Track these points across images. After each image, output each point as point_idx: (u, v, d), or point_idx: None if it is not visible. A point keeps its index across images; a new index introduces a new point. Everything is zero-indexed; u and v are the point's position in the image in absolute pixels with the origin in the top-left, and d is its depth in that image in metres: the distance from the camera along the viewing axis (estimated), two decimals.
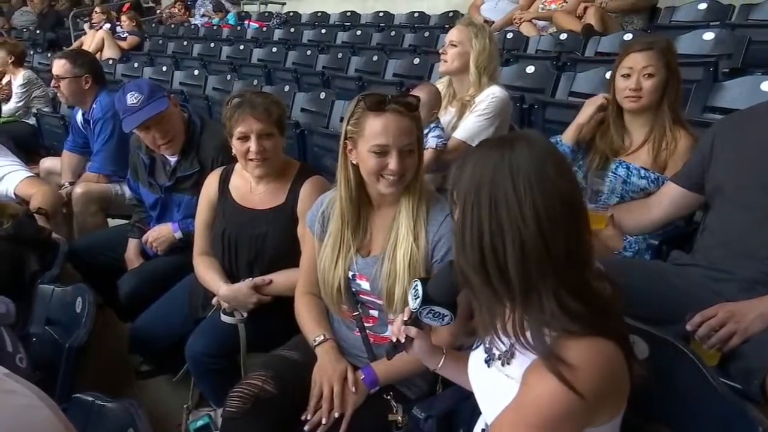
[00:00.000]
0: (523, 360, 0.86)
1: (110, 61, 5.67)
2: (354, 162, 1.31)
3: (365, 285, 1.38)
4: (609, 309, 0.85)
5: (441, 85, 2.45)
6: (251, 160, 1.64)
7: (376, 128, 1.25)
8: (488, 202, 0.83)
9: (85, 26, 7.15)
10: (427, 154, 2.09)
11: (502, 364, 0.91)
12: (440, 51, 2.31)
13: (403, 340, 1.07)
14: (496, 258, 0.83)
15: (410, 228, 1.30)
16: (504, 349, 0.90)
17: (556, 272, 0.82)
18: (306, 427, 1.29)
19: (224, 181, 1.78)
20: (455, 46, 2.25)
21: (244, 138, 1.62)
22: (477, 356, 0.99)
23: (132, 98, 1.98)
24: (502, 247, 0.82)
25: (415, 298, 1.02)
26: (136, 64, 5.51)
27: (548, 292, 0.82)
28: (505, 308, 0.88)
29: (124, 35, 6.53)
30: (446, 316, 1.00)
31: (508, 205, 0.82)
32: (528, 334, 0.84)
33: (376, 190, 1.32)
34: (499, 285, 0.84)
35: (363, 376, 1.34)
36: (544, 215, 0.81)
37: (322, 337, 1.41)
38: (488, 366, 0.95)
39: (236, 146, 1.65)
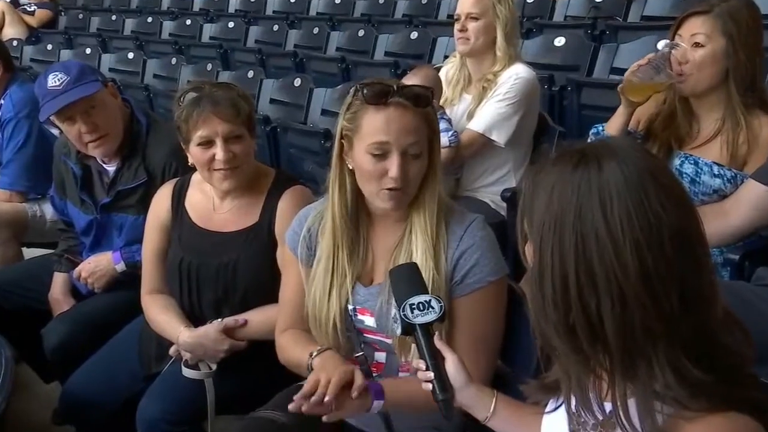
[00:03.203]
0: None
1: (15, 42, 5.63)
2: (351, 167, 1.34)
3: (369, 321, 1.39)
4: (741, 368, 0.83)
5: (450, 66, 2.50)
6: (217, 170, 1.65)
7: (375, 123, 1.28)
8: (574, 242, 0.80)
9: None
10: (441, 154, 2.12)
11: None
12: (457, 27, 2.36)
13: (431, 376, 1.10)
14: (586, 317, 0.80)
15: (428, 251, 1.33)
16: (599, 419, 0.87)
17: (668, 329, 0.79)
18: (290, 406, 1.24)
19: (178, 197, 1.79)
20: (476, 18, 2.30)
21: (207, 143, 1.63)
22: (557, 422, 0.97)
23: (54, 80, 1.95)
24: (594, 302, 0.79)
25: (396, 321, 1.16)
26: (49, 46, 5.52)
27: (659, 356, 0.79)
28: (600, 379, 0.85)
29: (32, 8, 6.51)
30: (429, 300, 1.14)
31: (599, 248, 0.79)
32: (633, 412, 0.81)
33: (375, 204, 1.35)
34: (591, 351, 0.82)
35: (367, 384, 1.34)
36: (649, 258, 0.78)
37: (319, 348, 1.38)
38: None
39: (196, 154, 1.65)
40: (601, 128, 1.88)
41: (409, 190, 1.32)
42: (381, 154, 1.28)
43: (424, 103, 1.31)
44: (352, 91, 1.33)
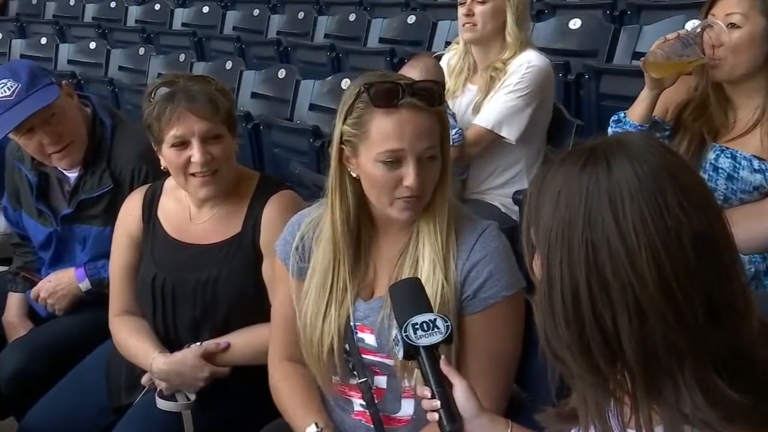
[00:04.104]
0: None
1: None
2: (354, 175, 1.34)
3: (370, 339, 1.39)
4: None
5: (453, 54, 2.51)
6: (194, 175, 1.65)
7: (386, 129, 1.28)
8: (584, 251, 0.81)
9: None
10: None
11: None
12: (461, 12, 2.36)
13: (437, 405, 1.10)
14: (602, 333, 0.81)
15: (438, 261, 1.33)
16: None
17: (695, 345, 0.79)
18: None
19: (150, 205, 1.80)
20: (484, 2, 2.31)
21: (182, 144, 1.63)
22: None
23: (3, 89, 1.95)
24: (609, 316, 0.80)
25: (397, 343, 1.15)
26: None
27: (686, 375, 0.80)
28: (622, 404, 0.86)
29: None
30: (434, 320, 1.14)
31: (612, 255, 0.79)
32: None
33: (385, 214, 1.36)
34: (610, 371, 0.83)
35: None
36: (668, 266, 0.78)
37: (314, 428, 1.41)
38: None
39: (170, 157, 1.65)
40: (623, 115, 1.88)
41: (425, 197, 1.33)
42: (394, 161, 1.29)
43: (438, 101, 1.31)
44: (353, 91, 1.32)
